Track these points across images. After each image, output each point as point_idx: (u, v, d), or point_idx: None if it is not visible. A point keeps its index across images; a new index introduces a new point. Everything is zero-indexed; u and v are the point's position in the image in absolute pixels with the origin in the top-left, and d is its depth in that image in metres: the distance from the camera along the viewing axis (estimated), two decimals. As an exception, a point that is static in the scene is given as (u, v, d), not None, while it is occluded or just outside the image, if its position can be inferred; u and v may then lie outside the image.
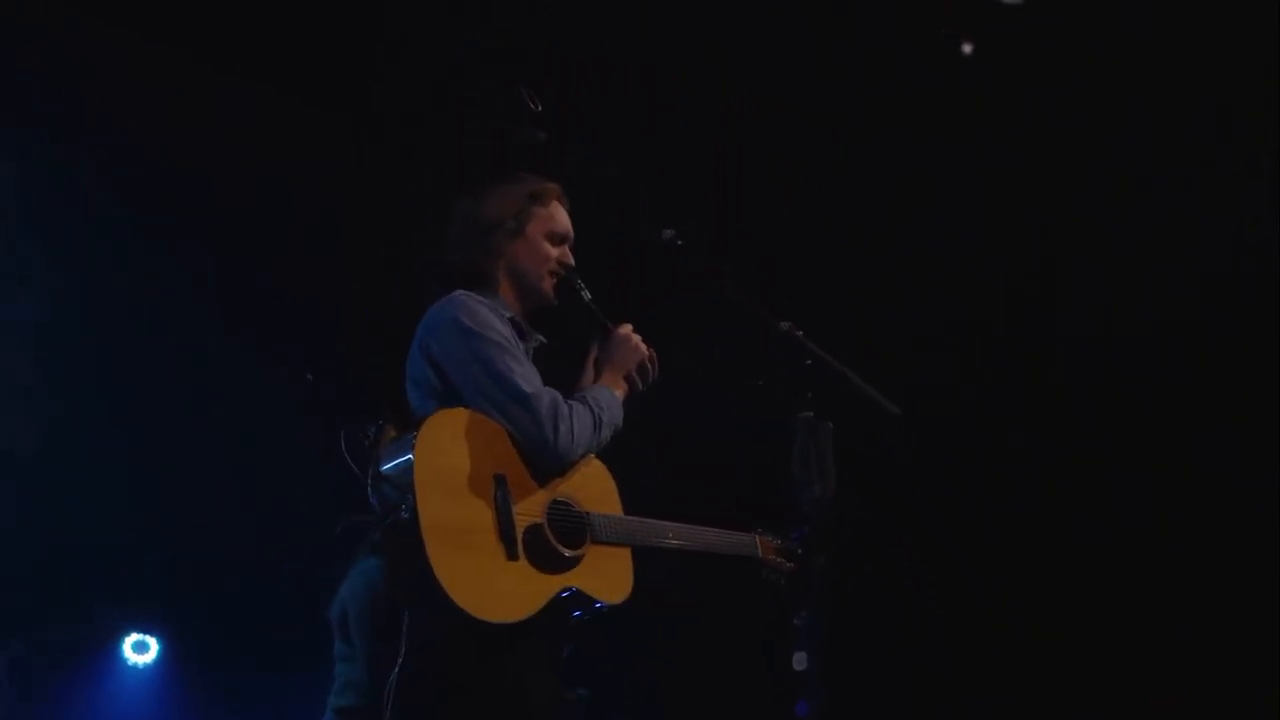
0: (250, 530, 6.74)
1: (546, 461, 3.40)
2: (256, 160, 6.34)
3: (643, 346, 3.71)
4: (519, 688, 3.30)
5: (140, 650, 7.30)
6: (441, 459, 3.24)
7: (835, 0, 6.11)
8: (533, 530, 3.33)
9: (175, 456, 6.75)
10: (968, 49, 6.03)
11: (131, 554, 6.76)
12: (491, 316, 3.52)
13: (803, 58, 6.22)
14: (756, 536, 3.94)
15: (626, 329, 3.73)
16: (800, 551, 3.83)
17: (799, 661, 2.76)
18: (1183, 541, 6.14)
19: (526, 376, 3.42)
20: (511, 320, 3.61)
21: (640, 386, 3.70)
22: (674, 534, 3.65)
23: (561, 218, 3.76)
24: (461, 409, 3.35)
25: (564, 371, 3.65)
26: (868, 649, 6.27)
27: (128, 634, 7.28)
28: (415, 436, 3.25)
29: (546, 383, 3.48)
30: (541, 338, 3.73)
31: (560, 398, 3.46)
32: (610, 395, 3.60)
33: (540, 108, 3.13)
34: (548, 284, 3.70)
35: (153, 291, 6.52)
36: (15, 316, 6.23)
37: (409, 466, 3.21)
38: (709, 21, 6.10)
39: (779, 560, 3.94)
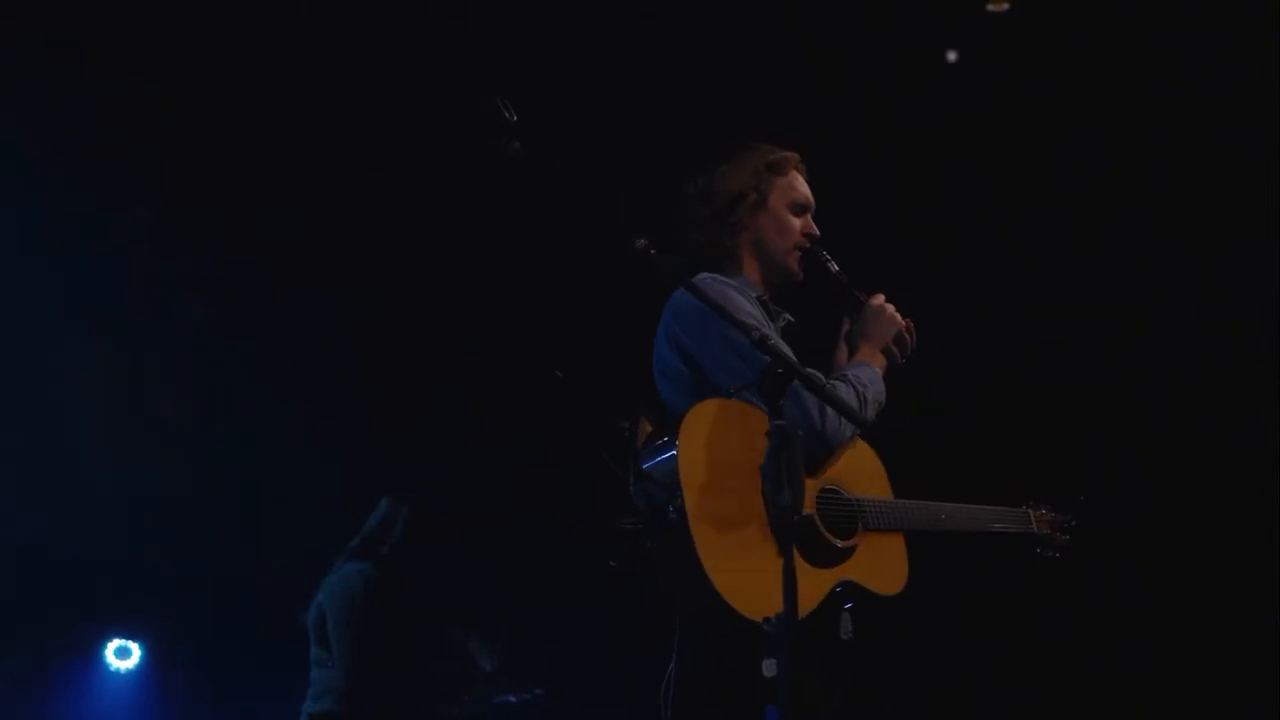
0: (232, 536, 6.73)
1: (813, 448, 3.21)
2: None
3: (898, 316, 3.52)
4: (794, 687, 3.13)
5: (123, 656, 7.26)
6: (706, 453, 3.05)
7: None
8: (803, 523, 3.08)
9: (156, 464, 6.73)
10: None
11: (114, 560, 6.72)
12: (740, 298, 3.33)
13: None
14: (1030, 510, 3.78)
15: (880, 299, 3.55)
16: (1074, 523, 3.81)
17: (769, 668, 2.66)
18: (1184, 542, 6.18)
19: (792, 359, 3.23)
20: (759, 300, 3.43)
21: (900, 359, 3.52)
22: (947, 515, 3.47)
23: (802, 187, 3.57)
24: (723, 399, 3.13)
25: (815, 349, 3.46)
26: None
27: (110, 640, 7.29)
28: (679, 431, 3.05)
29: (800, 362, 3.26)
30: (789, 316, 3.53)
31: (825, 380, 3.28)
32: (871, 371, 3.42)
33: (515, 118, 2.96)
34: (794, 257, 3.52)
35: (137, 298, 6.51)
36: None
37: (673, 463, 3.02)
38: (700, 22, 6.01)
39: (1054, 534, 3.78)
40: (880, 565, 3.28)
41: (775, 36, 6.04)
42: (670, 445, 3.05)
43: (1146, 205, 6.16)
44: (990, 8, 6.31)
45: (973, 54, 6.39)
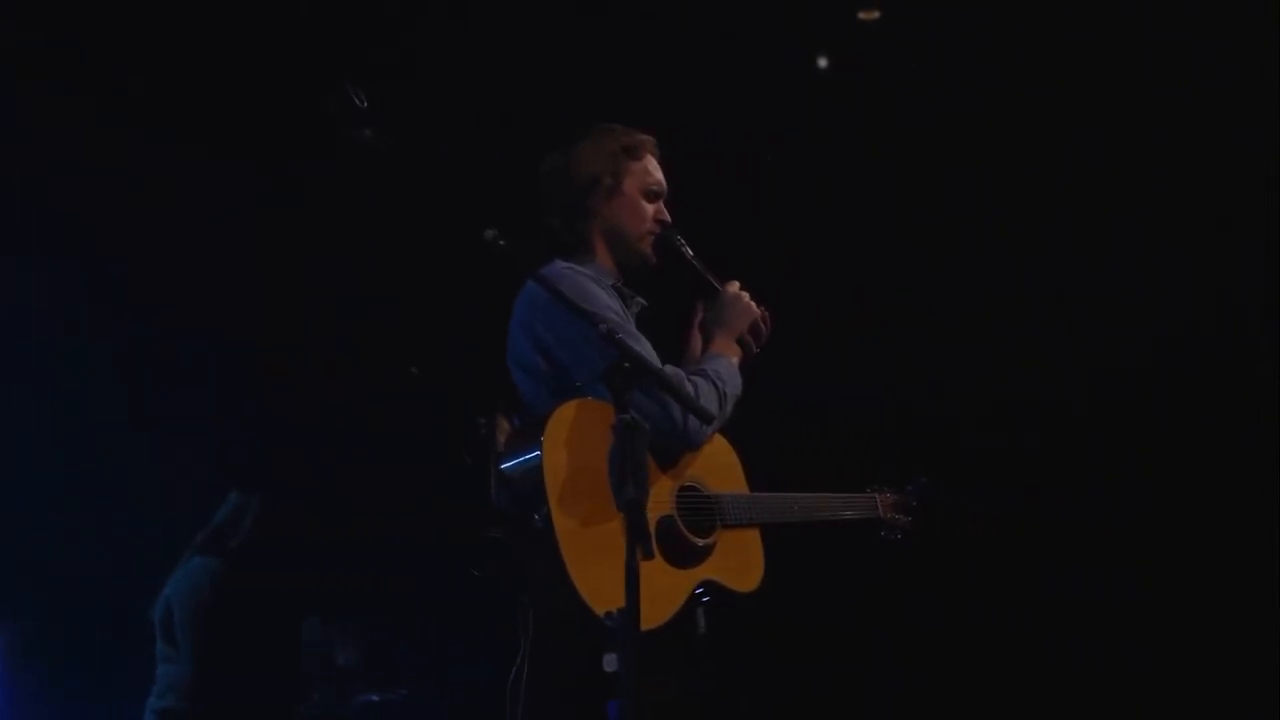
0: (88, 530, 6.44)
1: (675, 446, 3.19)
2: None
3: (754, 306, 3.48)
4: (650, 690, 3.10)
5: (-27, 652, 7.12)
6: (570, 457, 2.99)
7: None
8: (664, 523, 3.12)
9: (8, 454, 6.41)
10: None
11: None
12: (598, 290, 3.29)
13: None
14: (875, 495, 3.80)
15: (735, 287, 3.50)
16: (916, 504, 3.85)
17: (609, 663, 2.65)
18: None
19: (646, 356, 3.19)
20: (614, 288, 3.38)
21: (755, 349, 3.48)
22: (798, 506, 3.47)
23: (656, 172, 3.51)
24: (585, 400, 3.08)
25: (666, 335, 3.39)
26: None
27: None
28: (542, 434, 3.00)
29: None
30: (642, 301, 3.47)
31: (685, 376, 3.24)
32: (728, 363, 3.38)
33: (365, 103, 2.94)
34: (647, 243, 3.45)
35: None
36: None
37: (537, 470, 2.97)
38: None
39: (897, 517, 3.80)
40: (737, 562, 3.27)
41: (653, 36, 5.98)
42: (533, 450, 3.00)
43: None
44: (861, 16, 6.36)
45: (844, 61, 6.42)
